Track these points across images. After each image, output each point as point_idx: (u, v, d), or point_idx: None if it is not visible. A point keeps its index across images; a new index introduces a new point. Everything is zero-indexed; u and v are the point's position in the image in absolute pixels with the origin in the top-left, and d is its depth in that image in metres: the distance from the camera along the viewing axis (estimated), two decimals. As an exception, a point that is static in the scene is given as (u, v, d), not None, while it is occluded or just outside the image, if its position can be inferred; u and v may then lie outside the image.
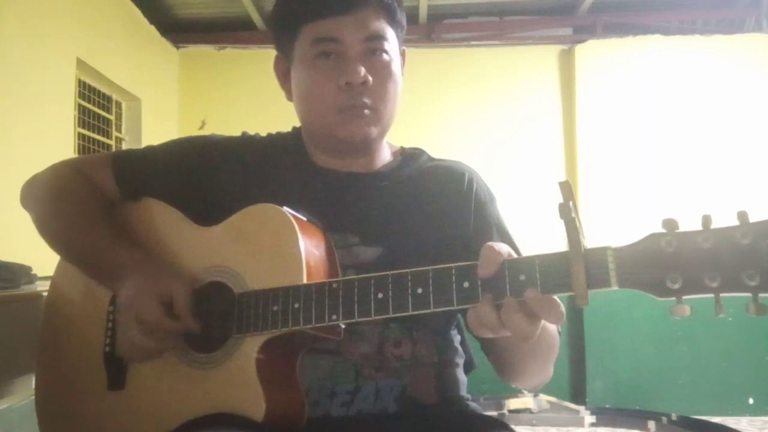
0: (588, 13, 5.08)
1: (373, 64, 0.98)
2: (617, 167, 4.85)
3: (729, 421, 3.92)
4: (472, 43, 5.20)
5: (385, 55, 0.99)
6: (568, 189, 0.71)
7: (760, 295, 0.65)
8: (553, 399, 4.05)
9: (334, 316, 0.82)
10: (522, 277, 0.73)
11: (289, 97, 1.07)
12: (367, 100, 0.98)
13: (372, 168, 1.06)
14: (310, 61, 0.99)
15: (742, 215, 0.65)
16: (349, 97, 0.97)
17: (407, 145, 1.14)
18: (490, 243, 0.76)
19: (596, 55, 4.99)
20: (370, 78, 0.97)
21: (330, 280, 0.85)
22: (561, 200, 0.71)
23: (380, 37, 0.99)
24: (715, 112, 4.85)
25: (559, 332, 0.97)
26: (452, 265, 0.77)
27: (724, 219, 0.67)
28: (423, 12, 5.00)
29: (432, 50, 5.11)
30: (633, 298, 3.99)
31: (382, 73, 0.99)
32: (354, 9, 0.97)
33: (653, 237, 0.69)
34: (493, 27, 5.26)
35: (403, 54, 1.06)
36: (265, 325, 0.86)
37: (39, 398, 1.07)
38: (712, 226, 0.66)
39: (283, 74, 1.07)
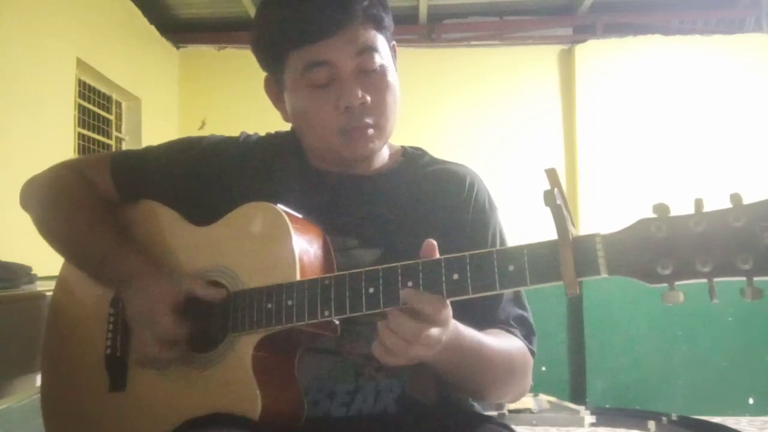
0: (588, 13, 5.07)
1: (369, 80, 0.95)
2: (617, 167, 4.84)
3: (729, 421, 3.92)
4: (472, 43, 5.19)
5: (379, 68, 0.96)
6: (554, 176, 0.70)
7: (755, 279, 0.62)
8: (553, 399, 4.05)
9: (327, 312, 0.82)
10: (511, 268, 0.72)
11: (286, 118, 1.04)
12: (369, 120, 0.96)
13: (370, 170, 1.05)
14: (304, 88, 0.96)
15: (735, 198, 0.63)
16: (351, 119, 0.95)
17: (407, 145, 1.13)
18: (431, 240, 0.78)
19: (596, 55, 4.99)
20: (369, 98, 0.94)
21: (322, 276, 0.84)
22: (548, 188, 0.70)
23: (371, 49, 0.95)
24: (714, 112, 4.85)
25: (533, 352, 0.97)
26: (442, 257, 0.77)
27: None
28: (423, 12, 5.00)
29: (432, 50, 5.10)
30: (633, 297, 4.00)
31: (380, 87, 0.96)
32: (341, 28, 0.93)
33: (643, 222, 0.68)
34: (493, 27, 5.25)
35: (393, 49, 1.03)
36: (260, 323, 0.86)
37: (44, 396, 1.08)
38: (704, 210, 0.65)
39: (276, 96, 1.04)
